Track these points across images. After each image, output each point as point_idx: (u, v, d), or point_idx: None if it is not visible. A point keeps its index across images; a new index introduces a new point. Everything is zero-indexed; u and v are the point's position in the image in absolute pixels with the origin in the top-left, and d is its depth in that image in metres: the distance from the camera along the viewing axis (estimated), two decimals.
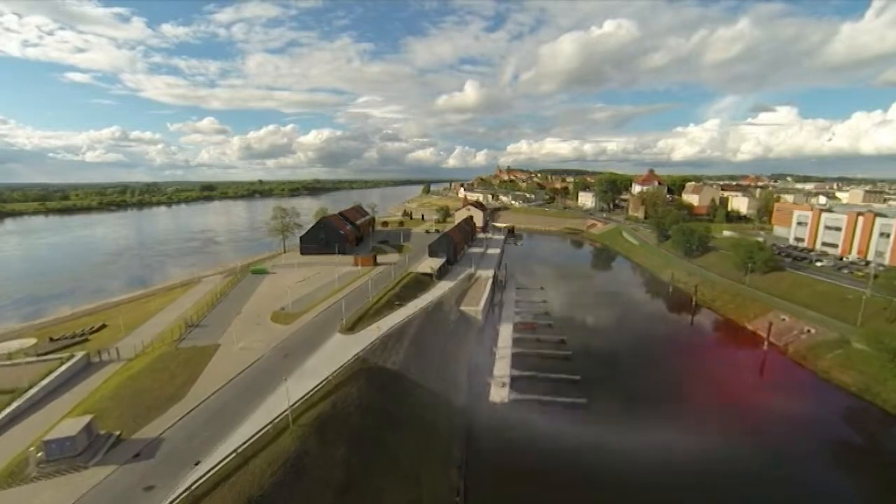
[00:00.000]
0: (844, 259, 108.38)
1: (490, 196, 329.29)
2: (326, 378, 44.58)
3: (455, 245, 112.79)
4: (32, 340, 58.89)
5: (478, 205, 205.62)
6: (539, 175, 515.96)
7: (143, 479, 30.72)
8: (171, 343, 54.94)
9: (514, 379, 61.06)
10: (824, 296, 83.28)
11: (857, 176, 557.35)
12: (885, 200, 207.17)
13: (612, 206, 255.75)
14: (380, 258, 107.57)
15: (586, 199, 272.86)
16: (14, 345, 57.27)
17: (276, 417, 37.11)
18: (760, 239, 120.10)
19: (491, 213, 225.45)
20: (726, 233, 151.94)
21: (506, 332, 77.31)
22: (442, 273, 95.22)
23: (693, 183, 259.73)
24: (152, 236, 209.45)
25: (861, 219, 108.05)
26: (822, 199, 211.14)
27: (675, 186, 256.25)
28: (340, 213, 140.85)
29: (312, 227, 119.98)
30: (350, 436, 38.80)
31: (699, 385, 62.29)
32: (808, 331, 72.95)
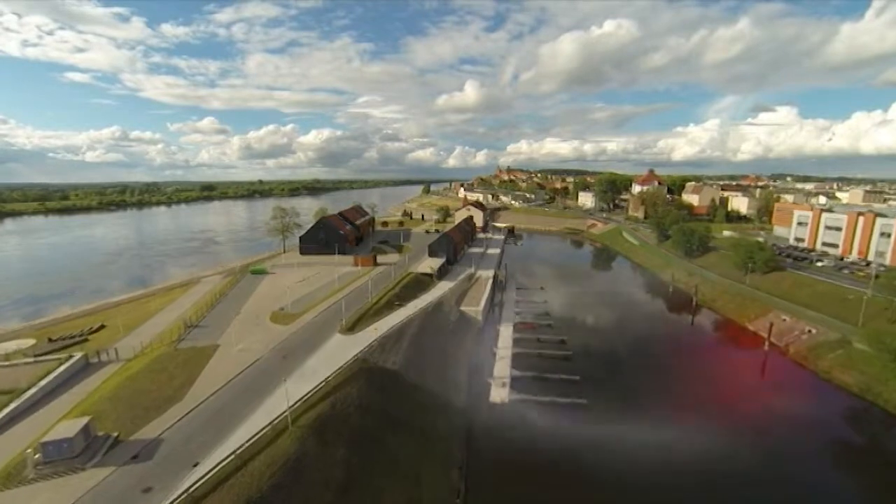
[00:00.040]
0: (845, 259, 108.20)
1: (490, 196, 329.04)
2: (326, 379, 44.40)
3: (455, 245, 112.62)
4: (31, 341, 58.73)
5: (478, 205, 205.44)
6: (539, 175, 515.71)
7: (142, 481, 30.53)
8: (169, 344, 54.74)
9: (514, 379, 60.90)
10: (825, 296, 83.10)
11: (856, 176, 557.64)
12: (885, 200, 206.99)
13: (612, 206, 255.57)
14: (380, 258, 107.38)
15: (586, 199, 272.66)
16: (13, 345, 57.10)
17: (276, 419, 36.92)
18: (761, 239, 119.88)
19: (491, 213, 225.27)
20: (726, 233, 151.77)
21: (506, 333, 77.13)
22: (442, 273, 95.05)
23: (693, 183, 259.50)
24: (152, 236, 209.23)
25: (861, 219, 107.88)
26: (822, 199, 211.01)
27: (675, 186, 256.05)
28: (340, 213, 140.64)
29: (312, 227, 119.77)
30: (350, 437, 38.63)
31: (700, 385, 62.13)
32: (809, 331, 72.78)
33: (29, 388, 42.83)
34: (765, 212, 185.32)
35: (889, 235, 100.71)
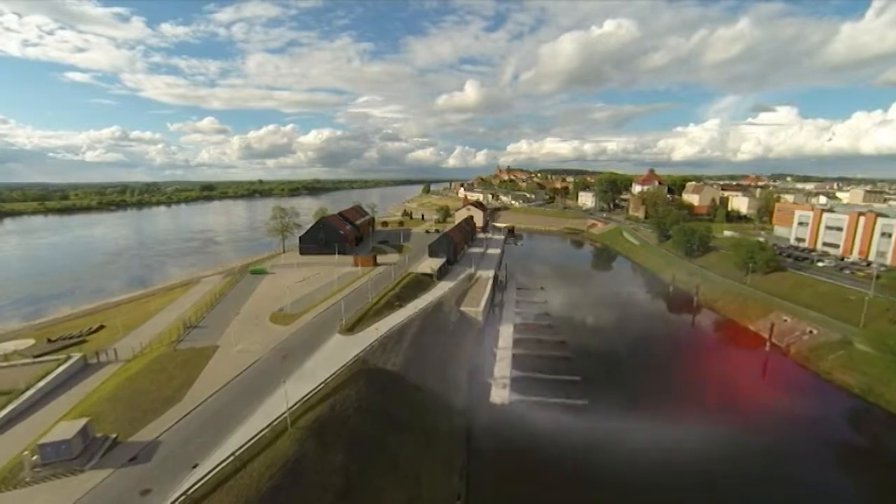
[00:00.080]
0: (846, 259, 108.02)
1: (490, 196, 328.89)
2: (325, 380, 44.19)
3: (455, 245, 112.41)
4: (30, 341, 58.55)
5: (478, 205, 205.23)
6: (539, 175, 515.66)
7: (140, 483, 30.36)
8: (169, 344, 54.55)
9: (514, 380, 60.72)
10: (826, 296, 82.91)
11: (856, 176, 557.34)
12: (885, 200, 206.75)
13: (612, 205, 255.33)
14: (380, 258, 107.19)
15: (586, 199, 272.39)
16: (11, 346, 56.90)
17: (275, 420, 36.72)
18: (761, 239, 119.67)
19: (491, 213, 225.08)
20: (727, 233, 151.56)
21: (506, 333, 76.95)
22: (442, 273, 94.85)
23: (693, 183, 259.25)
24: (152, 236, 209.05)
25: (862, 219, 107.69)
26: (823, 199, 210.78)
27: (676, 186, 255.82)
28: (340, 213, 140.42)
29: (312, 227, 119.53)
30: (349, 438, 38.45)
31: (700, 386, 61.95)
32: (811, 332, 72.58)
33: (27, 389, 42.63)
34: (765, 212, 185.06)
35: (890, 236, 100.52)
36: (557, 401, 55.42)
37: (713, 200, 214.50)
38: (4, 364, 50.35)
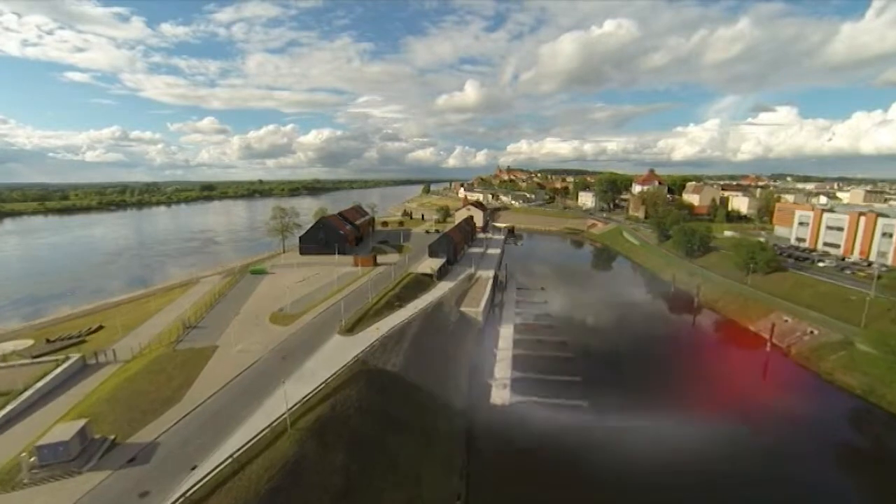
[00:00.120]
0: (846, 259, 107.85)
1: (490, 196, 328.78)
2: (325, 380, 44.02)
3: (455, 245, 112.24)
4: (29, 342, 58.37)
5: (478, 205, 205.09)
6: (539, 175, 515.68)
7: (138, 485, 30.17)
8: (168, 345, 54.36)
9: (514, 380, 60.54)
10: (827, 296, 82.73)
11: (856, 176, 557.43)
12: (885, 200, 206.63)
13: (612, 205, 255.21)
14: (380, 258, 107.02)
15: (586, 199, 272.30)
16: (10, 346, 56.73)
17: (274, 421, 36.53)
18: (762, 239, 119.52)
19: (491, 213, 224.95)
20: (727, 233, 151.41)
21: (506, 334, 76.79)
22: (442, 273, 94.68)
23: (693, 183, 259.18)
24: (152, 236, 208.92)
25: (863, 219, 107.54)
26: (823, 199, 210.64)
27: (676, 186, 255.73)
28: (340, 213, 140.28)
29: (312, 228, 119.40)
30: (349, 438, 38.29)
31: (701, 386, 61.72)
32: (812, 332, 72.40)
33: (26, 390, 42.45)
34: (765, 212, 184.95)
35: (891, 236, 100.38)
36: (558, 401, 55.23)
37: (713, 200, 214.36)
38: (3, 365, 50.18)
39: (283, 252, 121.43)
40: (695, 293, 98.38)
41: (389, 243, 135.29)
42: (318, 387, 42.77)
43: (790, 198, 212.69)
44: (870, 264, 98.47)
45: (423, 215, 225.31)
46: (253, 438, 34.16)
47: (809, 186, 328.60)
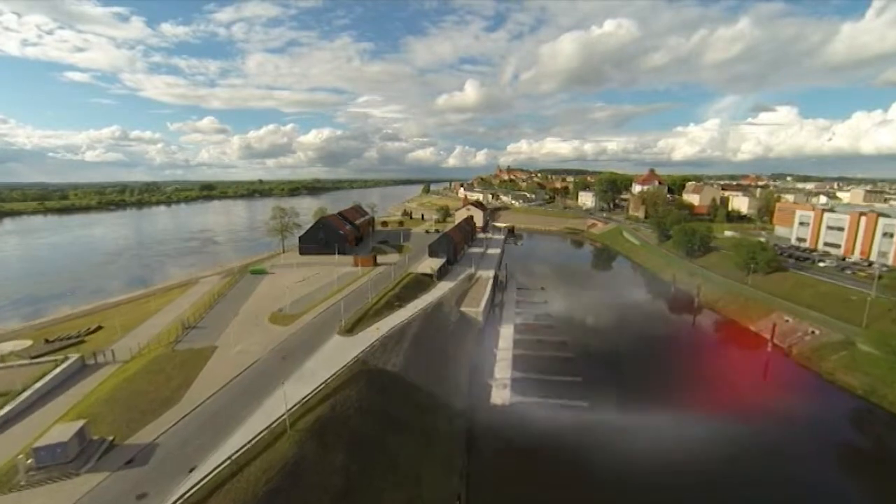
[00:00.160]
0: (847, 259, 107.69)
1: (490, 196, 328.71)
2: (325, 381, 43.86)
3: (455, 245, 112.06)
4: (28, 342, 58.16)
5: (478, 204, 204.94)
6: (539, 175, 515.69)
7: (136, 487, 29.99)
8: (167, 345, 54.17)
9: (515, 381, 60.37)
10: (828, 297, 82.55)
11: (856, 176, 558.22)
12: (886, 200, 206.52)
13: (612, 205, 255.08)
14: (379, 258, 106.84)
15: (586, 199, 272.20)
16: (9, 346, 56.54)
17: (274, 422, 36.36)
18: (762, 239, 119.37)
19: (491, 213, 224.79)
20: (727, 233, 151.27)
21: (507, 334, 76.62)
22: (442, 273, 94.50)
23: (693, 183, 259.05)
24: (151, 236, 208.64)
25: (864, 219, 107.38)
26: (823, 199, 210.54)
27: (676, 186, 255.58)
28: (340, 213, 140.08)
29: (311, 227, 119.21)
30: (349, 439, 38.13)
31: (702, 387, 61.56)
32: (813, 332, 72.22)
33: (24, 391, 42.26)
34: (765, 212, 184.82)
35: (892, 236, 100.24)
36: (558, 401, 55.08)
37: (713, 200, 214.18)
38: (2, 365, 49.97)
39: (283, 252, 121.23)
40: (695, 293, 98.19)
41: (389, 243, 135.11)
42: (317, 387, 42.61)
43: (790, 198, 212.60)
44: (870, 264, 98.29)
45: (423, 215, 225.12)
46: (252, 440, 33.99)
47: (809, 186, 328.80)
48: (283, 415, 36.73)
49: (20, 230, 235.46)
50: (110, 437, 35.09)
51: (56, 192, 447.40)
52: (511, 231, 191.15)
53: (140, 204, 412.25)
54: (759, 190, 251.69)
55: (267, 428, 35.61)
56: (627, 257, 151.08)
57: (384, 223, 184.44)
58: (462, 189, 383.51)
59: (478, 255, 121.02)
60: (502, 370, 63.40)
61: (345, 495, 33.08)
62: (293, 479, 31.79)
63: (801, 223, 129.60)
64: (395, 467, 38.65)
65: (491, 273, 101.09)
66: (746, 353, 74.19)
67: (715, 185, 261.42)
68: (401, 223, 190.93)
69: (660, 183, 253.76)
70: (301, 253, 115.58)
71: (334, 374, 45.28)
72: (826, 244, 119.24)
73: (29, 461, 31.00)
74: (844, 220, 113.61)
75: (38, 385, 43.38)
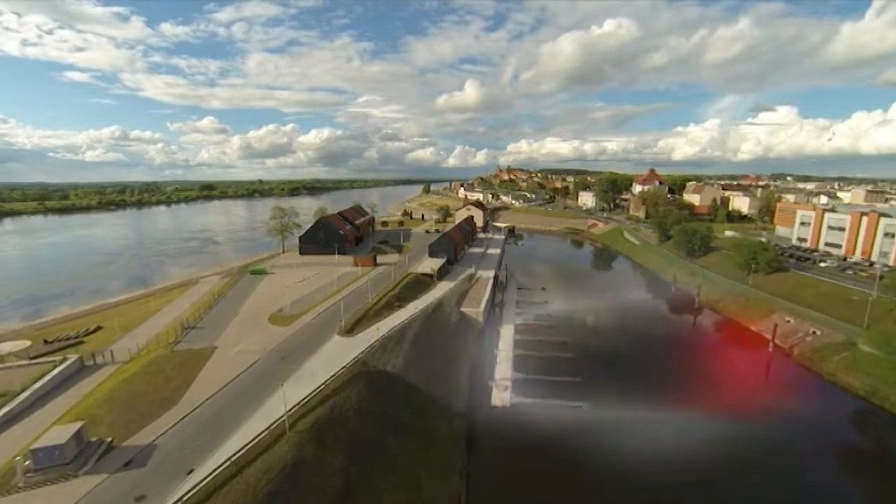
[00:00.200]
0: (848, 260, 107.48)
1: (490, 196, 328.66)
2: (325, 382, 43.65)
3: (455, 245, 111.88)
4: (27, 342, 57.98)
5: (478, 204, 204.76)
6: (539, 175, 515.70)
7: (134, 489, 29.80)
8: (166, 345, 53.98)
9: (515, 381, 60.19)
10: (829, 297, 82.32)
11: (856, 176, 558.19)
12: (886, 200, 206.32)
13: (612, 205, 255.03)
14: (379, 258, 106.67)
15: (587, 199, 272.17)
16: (7, 347, 56.38)
17: (273, 423, 36.16)
18: (763, 239, 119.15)
19: (491, 213, 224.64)
20: (728, 233, 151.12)
21: (507, 334, 76.44)
22: (442, 273, 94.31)
23: (694, 183, 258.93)
24: (151, 236, 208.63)
25: (865, 219, 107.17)
26: (824, 199, 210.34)
27: (676, 186, 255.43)
28: (340, 213, 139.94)
29: (311, 227, 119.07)
30: (349, 441, 37.94)
31: (703, 387, 61.39)
32: (814, 332, 72.01)
33: (22, 392, 42.07)
34: (766, 212, 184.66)
35: (893, 236, 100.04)
36: (559, 402, 54.93)
37: (714, 200, 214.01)
38: (0, 366, 49.81)
39: (283, 252, 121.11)
40: (696, 293, 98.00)
41: (389, 243, 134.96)
42: (317, 388, 42.41)
43: (791, 197, 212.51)
44: (871, 264, 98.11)
45: (423, 215, 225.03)
46: (251, 441, 33.80)
47: (810, 186, 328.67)
48: (282, 416, 36.55)
49: (20, 230, 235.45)
50: (109, 439, 34.90)
51: (56, 192, 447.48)
52: (511, 231, 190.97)
53: (140, 204, 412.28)
54: (759, 190, 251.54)
55: (266, 429, 35.41)
56: (628, 257, 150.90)
57: (384, 223, 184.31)
58: (462, 189, 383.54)
59: (478, 256, 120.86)
60: (503, 371, 63.22)
61: (344, 497, 32.90)
62: (292, 481, 31.61)
63: (802, 223, 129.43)
64: (394, 469, 38.47)
65: (491, 273, 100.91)
66: (747, 354, 73.97)
67: (715, 185, 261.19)
68: (401, 223, 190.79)
69: (660, 183, 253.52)
70: (301, 253, 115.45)
71: (334, 375, 45.08)
72: (827, 244, 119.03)
73: (27, 463, 30.80)
74: (846, 220, 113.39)
75: (36, 386, 43.17)
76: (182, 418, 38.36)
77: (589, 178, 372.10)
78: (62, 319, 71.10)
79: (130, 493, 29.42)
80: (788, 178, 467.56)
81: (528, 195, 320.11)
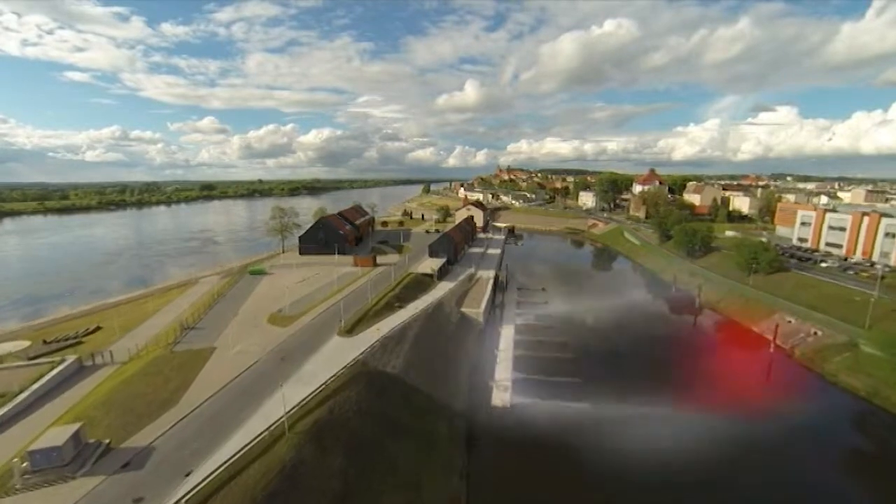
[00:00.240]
0: (849, 260, 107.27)
1: (490, 196, 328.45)
2: (324, 382, 43.53)
3: (455, 245, 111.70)
4: (26, 343, 57.78)
5: (478, 204, 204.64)
6: (539, 175, 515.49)
7: (132, 491, 29.61)
8: (165, 346, 53.80)
9: (515, 382, 60.03)
10: (830, 297, 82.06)
11: (856, 176, 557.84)
12: (886, 200, 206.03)
13: (612, 205, 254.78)
14: (379, 258, 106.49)
15: (587, 199, 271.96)
16: (6, 347, 56.18)
17: (272, 424, 36.00)
18: (763, 239, 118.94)
19: (491, 213, 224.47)
20: (729, 233, 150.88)
21: (507, 334, 76.26)
22: (442, 273, 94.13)
23: (694, 183, 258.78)
24: (151, 236, 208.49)
25: (867, 219, 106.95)
26: (824, 199, 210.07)
27: (676, 186, 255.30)
28: (340, 213, 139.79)
29: (311, 227, 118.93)
30: (348, 442, 37.77)
31: (703, 388, 61.19)
32: (815, 333, 71.81)
33: (21, 392, 41.91)
34: (766, 212, 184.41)
35: (894, 236, 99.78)
36: (559, 402, 54.75)
37: (714, 200, 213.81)
38: None
39: (283, 252, 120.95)
40: (696, 294, 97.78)
41: (389, 243, 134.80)
42: (317, 389, 42.27)
43: (791, 197, 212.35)
44: (873, 265, 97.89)
45: (423, 215, 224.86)
46: (250, 443, 33.66)
47: (810, 186, 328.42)
48: (281, 417, 36.37)
49: (20, 230, 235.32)
50: (106, 441, 34.71)
51: (56, 192, 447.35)
52: (511, 231, 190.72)
53: (140, 204, 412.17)
54: (759, 190, 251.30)
55: (266, 430, 35.26)
56: (628, 257, 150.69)
57: (384, 223, 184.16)
58: (462, 189, 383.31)
59: (478, 256, 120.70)
60: (503, 371, 63.05)
61: (343, 499, 32.71)
62: (291, 483, 31.43)
63: (803, 223, 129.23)
64: (394, 470, 38.30)
65: (491, 273, 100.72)
66: (748, 354, 73.76)
67: (715, 185, 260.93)
68: (401, 223, 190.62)
69: (660, 183, 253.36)
70: (301, 253, 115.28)
71: (334, 376, 44.95)
72: (828, 244, 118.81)
73: (24, 464, 30.62)
74: (846, 220, 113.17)
75: (34, 387, 43.01)
76: (181, 419, 38.17)
77: (589, 178, 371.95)
78: (61, 319, 70.89)
79: (128, 494, 29.24)
80: (788, 178, 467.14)
81: (528, 195, 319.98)
